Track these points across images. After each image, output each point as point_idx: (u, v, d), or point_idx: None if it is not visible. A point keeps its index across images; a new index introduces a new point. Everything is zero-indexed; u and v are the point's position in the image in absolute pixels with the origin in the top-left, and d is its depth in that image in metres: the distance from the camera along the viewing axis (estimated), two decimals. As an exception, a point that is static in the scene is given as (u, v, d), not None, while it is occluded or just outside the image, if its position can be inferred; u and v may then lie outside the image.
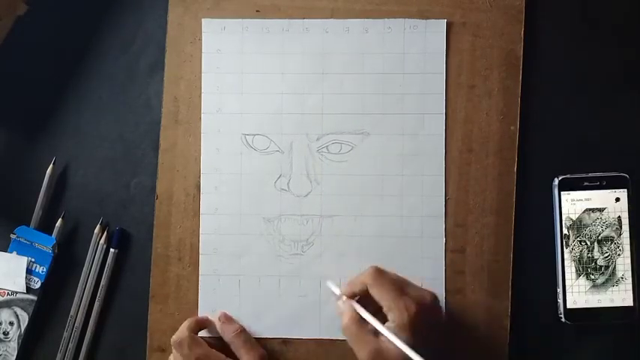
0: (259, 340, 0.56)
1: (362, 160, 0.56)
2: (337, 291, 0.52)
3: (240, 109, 0.57)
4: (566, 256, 0.54)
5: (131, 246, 0.58)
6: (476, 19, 0.57)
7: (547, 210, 0.56)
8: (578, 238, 0.55)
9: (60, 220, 0.57)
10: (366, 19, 0.57)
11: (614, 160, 0.56)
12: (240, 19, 0.57)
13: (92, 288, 0.57)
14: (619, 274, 0.54)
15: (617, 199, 0.54)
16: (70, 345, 0.56)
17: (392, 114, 0.56)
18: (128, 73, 0.59)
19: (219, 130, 0.57)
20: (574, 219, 0.55)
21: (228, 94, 0.57)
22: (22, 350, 0.57)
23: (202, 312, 0.56)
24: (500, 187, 0.56)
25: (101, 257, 0.57)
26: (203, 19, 0.57)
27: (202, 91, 0.57)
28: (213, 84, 0.57)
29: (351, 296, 0.50)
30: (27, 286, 0.56)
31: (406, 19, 0.56)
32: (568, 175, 0.55)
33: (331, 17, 0.57)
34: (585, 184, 0.55)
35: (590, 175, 0.55)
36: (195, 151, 0.57)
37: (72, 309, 0.57)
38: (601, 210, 0.54)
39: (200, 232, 0.57)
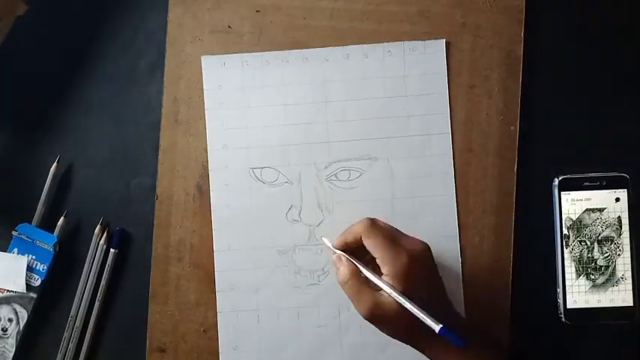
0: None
1: (372, 185, 0.56)
2: (330, 245, 0.52)
3: (246, 143, 0.57)
4: (566, 256, 0.54)
5: (131, 246, 0.58)
6: (476, 19, 0.57)
7: (547, 210, 0.56)
8: (578, 238, 0.55)
9: (62, 218, 0.57)
10: (364, 45, 0.57)
11: (614, 160, 0.56)
12: (239, 54, 0.57)
13: (92, 288, 0.57)
14: (619, 274, 0.54)
15: (617, 199, 0.54)
16: (70, 345, 0.57)
17: (398, 137, 0.56)
18: (128, 73, 0.59)
19: (227, 165, 0.57)
20: (574, 219, 0.55)
21: (233, 130, 0.57)
22: (21, 347, 0.57)
23: (223, 350, 0.56)
24: (500, 187, 0.56)
25: (101, 257, 0.57)
26: (202, 57, 0.57)
27: (207, 126, 0.57)
28: (217, 120, 0.57)
29: (344, 247, 0.50)
30: (27, 284, 0.56)
31: (405, 42, 0.56)
32: (568, 176, 0.55)
33: (331, 17, 0.57)
34: (585, 184, 0.55)
35: (590, 175, 0.55)
36: (195, 151, 0.57)
37: (72, 309, 0.57)
38: (601, 210, 0.54)
39: (215, 269, 0.56)
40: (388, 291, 0.46)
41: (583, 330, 0.56)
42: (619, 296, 0.54)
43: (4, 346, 0.56)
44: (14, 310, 0.56)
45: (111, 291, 0.58)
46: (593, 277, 0.54)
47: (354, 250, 0.50)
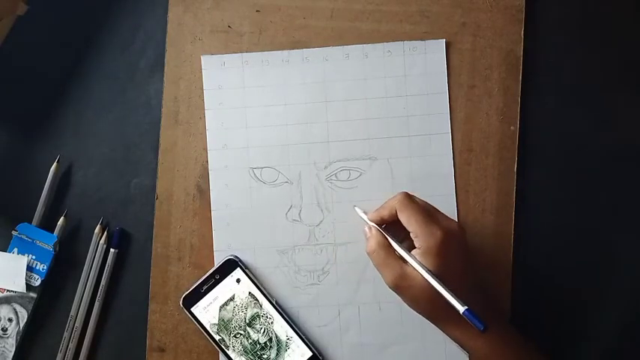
0: None
1: (372, 185, 0.56)
2: (365, 217, 0.52)
3: (246, 143, 0.57)
4: (233, 356, 0.55)
5: (131, 246, 0.58)
6: (476, 19, 0.57)
7: (547, 210, 0.56)
8: (232, 335, 0.55)
9: (62, 218, 0.57)
10: (365, 45, 0.57)
11: (613, 159, 0.56)
12: (239, 54, 0.57)
13: (92, 288, 0.57)
14: (283, 337, 0.55)
15: (238, 280, 0.55)
16: (70, 345, 0.57)
17: (398, 137, 0.56)
18: (128, 73, 0.59)
19: (227, 165, 0.57)
20: (216, 322, 0.55)
21: (233, 129, 0.57)
22: (21, 347, 0.57)
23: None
24: (500, 187, 0.56)
25: (101, 257, 0.57)
26: (202, 56, 0.57)
27: (207, 127, 0.57)
28: (217, 120, 0.57)
29: (379, 221, 0.51)
30: (27, 284, 0.56)
31: (405, 42, 0.56)
32: (186, 292, 0.55)
33: (331, 17, 0.57)
34: (204, 288, 0.55)
35: (203, 278, 0.55)
36: (195, 150, 0.57)
37: (72, 309, 0.57)
38: (232, 298, 0.55)
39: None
40: (416, 267, 0.46)
41: (583, 329, 0.56)
42: (297, 354, 0.55)
43: (4, 346, 0.56)
44: (14, 310, 0.56)
45: (111, 291, 0.57)
46: (265, 356, 0.55)
47: (390, 225, 0.50)
